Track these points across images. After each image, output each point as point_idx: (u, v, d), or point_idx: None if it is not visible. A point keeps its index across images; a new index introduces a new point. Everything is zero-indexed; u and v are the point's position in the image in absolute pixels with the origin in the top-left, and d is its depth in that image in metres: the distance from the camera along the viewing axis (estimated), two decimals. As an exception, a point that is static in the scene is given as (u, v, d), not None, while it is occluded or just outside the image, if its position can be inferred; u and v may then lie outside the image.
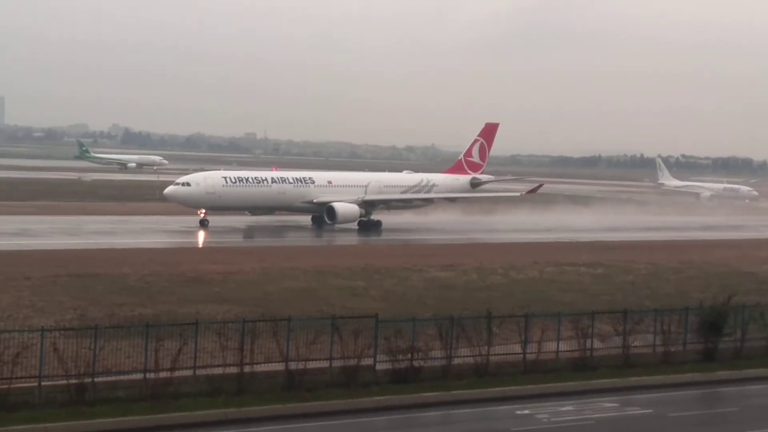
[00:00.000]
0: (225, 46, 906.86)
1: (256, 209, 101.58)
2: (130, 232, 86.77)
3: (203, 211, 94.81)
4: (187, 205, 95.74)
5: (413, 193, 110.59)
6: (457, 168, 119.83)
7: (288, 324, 37.08)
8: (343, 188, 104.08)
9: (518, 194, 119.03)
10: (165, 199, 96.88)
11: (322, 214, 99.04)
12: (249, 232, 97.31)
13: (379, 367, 37.97)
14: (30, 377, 32.80)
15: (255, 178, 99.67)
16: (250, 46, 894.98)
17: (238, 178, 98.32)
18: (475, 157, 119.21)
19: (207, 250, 79.03)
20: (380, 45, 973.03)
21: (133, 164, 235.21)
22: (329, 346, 37.36)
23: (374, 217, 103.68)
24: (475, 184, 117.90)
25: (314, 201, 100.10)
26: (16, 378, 32.25)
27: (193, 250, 78.46)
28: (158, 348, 34.35)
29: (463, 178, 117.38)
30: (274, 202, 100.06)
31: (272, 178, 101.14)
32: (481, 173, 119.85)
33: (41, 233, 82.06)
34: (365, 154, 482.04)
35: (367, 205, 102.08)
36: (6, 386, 31.89)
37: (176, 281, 57.18)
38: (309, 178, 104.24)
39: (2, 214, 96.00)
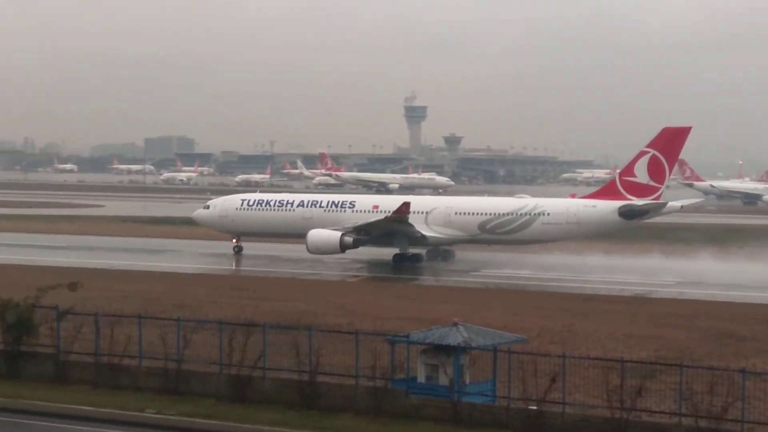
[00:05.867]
0: None
1: (278, 235, 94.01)
2: None
3: (234, 238, 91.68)
4: (209, 227, 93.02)
5: None
6: (606, 192, 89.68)
7: None
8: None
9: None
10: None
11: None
12: None
13: None
14: None
15: (279, 201, 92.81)
16: None
17: (258, 200, 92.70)
18: (641, 177, 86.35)
19: None
20: None
21: None
22: None
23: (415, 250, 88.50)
24: (629, 214, 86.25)
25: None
26: None
27: None
28: None
29: (605, 206, 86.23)
30: (297, 228, 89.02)
31: (300, 201, 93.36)
32: (657, 198, 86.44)
33: None
34: None
35: (362, 233, 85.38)
36: None
37: None
38: (350, 202, 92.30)
39: None
